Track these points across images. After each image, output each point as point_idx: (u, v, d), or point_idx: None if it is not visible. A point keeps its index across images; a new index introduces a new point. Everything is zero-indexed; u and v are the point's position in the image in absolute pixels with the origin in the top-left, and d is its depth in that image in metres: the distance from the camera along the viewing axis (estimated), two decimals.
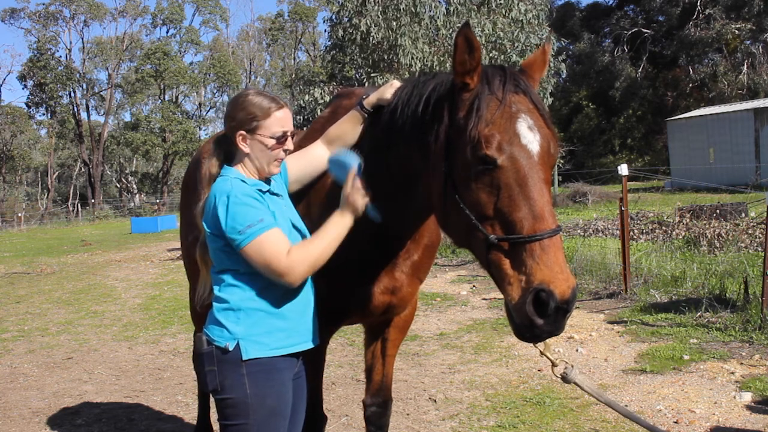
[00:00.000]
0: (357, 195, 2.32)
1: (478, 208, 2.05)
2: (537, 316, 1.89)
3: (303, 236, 2.41)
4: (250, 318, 2.25)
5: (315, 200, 2.66)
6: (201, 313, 2.47)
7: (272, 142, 2.31)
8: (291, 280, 2.20)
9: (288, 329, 2.30)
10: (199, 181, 2.40)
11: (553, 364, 2.35)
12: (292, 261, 2.19)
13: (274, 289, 2.27)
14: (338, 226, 2.31)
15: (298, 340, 2.34)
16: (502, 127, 2.03)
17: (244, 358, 2.22)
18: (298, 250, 2.22)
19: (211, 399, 2.45)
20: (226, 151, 2.40)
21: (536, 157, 2.03)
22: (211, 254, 2.32)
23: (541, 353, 2.27)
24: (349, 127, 2.56)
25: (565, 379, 2.39)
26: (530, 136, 2.04)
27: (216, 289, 2.33)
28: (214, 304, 2.32)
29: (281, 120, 2.33)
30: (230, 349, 2.23)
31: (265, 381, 2.25)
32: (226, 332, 2.25)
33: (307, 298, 2.38)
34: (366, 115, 2.53)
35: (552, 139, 2.10)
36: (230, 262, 2.26)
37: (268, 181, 2.41)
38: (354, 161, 2.38)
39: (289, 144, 2.36)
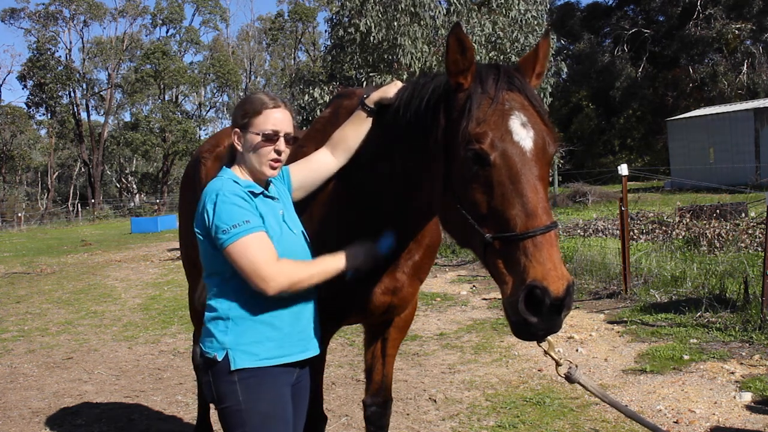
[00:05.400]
0: (370, 258, 2.41)
1: (475, 207, 2.05)
2: (530, 314, 1.89)
3: (304, 237, 2.40)
4: (238, 327, 2.21)
5: (318, 201, 2.65)
6: (201, 312, 2.46)
7: (258, 139, 2.26)
8: (269, 288, 2.13)
9: (278, 339, 2.25)
10: (198, 182, 2.39)
11: (558, 364, 2.34)
12: (280, 269, 2.14)
13: (264, 297, 2.21)
14: (334, 263, 2.29)
15: (290, 351, 2.28)
16: (493, 125, 2.02)
17: (232, 368, 2.18)
18: (289, 264, 2.18)
19: None
20: (231, 154, 2.38)
21: (529, 154, 2.01)
22: (201, 257, 2.28)
23: (545, 352, 2.26)
24: (352, 130, 2.53)
25: (569, 378, 2.39)
26: (523, 133, 2.03)
27: (208, 296, 2.30)
28: (206, 313, 2.29)
29: (275, 120, 2.29)
30: (219, 359, 2.19)
31: (256, 387, 2.21)
32: (215, 342, 2.22)
33: (301, 306, 2.33)
34: (368, 113, 2.50)
35: (548, 135, 2.09)
36: (218, 265, 2.22)
37: (266, 185, 2.37)
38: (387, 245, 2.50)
39: (281, 145, 2.29)
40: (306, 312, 2.35)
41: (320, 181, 2.57)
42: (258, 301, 2.22)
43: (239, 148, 2.31)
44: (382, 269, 2.72)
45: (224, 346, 2.20)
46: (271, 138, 2.27)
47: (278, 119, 2.30)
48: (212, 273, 2.26)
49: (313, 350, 2.38)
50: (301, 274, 2.19)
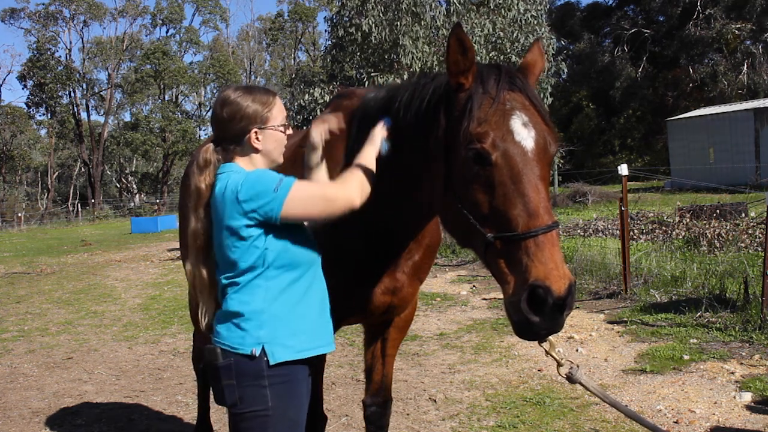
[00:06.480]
0: (380, 131, 2.43)
1: (476, 207, 2.05)
2: (533, 314, 1.89)
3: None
4: (274, 320, 2.17)
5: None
6: (206, 335, 2.34)
7: (281, 129, 2.32)
8: (351, 200, 2.21)
9: (310, 331, 2.24)
10: (190, 195, 2.27)
11: (559, 364, 2.34)
12: (341, 185, 2.23)
13: (295, 289, 2.21)
14: (366, 154, 2.37)
15: (319, 342, 2.28)
16: (495, 125, 2.03)
17: (272, 362, 2.13)
18: (340, 178, 2.28)
19: (212, 399, 2.40)
20: (223, 157, 2.30)
21: (531, 154, 2.02)
22: (234, 254, 2.17)
23: (547, 353, 2.26)
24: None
25: (570, 379, 2.38)
26: (524, 133, 2.03)
27: (231, 291, 2.21)
28: (231, 308, 2.19)
29: (281, 107, 2.34)
30: (256, 354, 2.13)
31: (286, 393, 2.18)
32: (248, 337, 2.15)
33: (323, 299, 2.34)
34: None
35: (549, 135, 2.09)
36: (257, 258, 2.14)
37: None
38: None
39: (289, 129, 2.38)
40: (327, 304, 2.36)
41: None
42: (290, 294, 2.21)
43: (259, 146, 2.28)
44: (382, 269, 2.72)
45: (260, 341, 2.14)
46: (287, 126, 2.35)
47: (282, 107, 2.36)
48: (246, 269, 2.17)
49: (333, 344, 2.38)
50: (358, 175, 2.29)
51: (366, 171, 2.33)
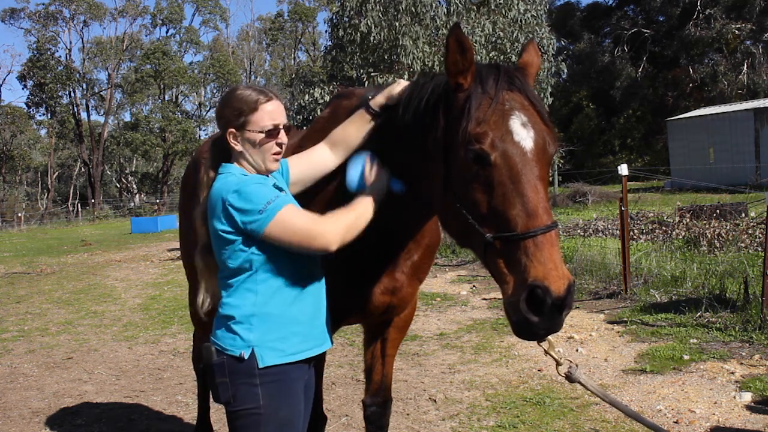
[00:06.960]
0: (379, 174, 2.36)
1: (475, 207, 2.05)
2: (532, 314, 1.89)
3: None
4: (264, 324, 2.17)
5: (317, 200, 2.58)
6: (207, 322, 2.39)
7: (261, 136, 2.22)
8: (332, 243, 2.14)
9: (302, 333, 2.24)
10: (198, 184, 2.30)
11: (558, 363, 2.34)
12: (331, 222, 2.16)
13: (288, 292, 2.21)
14: (363, 203, 2.30)
15: (312, 344, 2.28)
16: (494, 125, 2.02)
17: (261, 366, 2.14)
18: (333, 215, 2.21)
19: (211, 399, 2.41)
20: (223, 152, 2.30)
21: (530, 154, 2.01)
22: (222, 256, 2.20)
23: (546, 352, 2.26)
24: (354, 129, 2.46)
25: (569, 378, 2.39)
26: (523, 133, 2.03)
27: (225, 294, 2.23)
28: (224, 311, 2.22)
29: (271, 113, 2.24)
30: (245, 357, 2.14)
31: (278, 392, 2.19)
32: (239, 340, 2.16)
33: (319, 300, 2.33)
34: (373, 115, 2.44)
35: (548, 135, 2.08)
36: (242, 260, 2.16)
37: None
38: (363, 154, 2.41)
39: (283, 137, 2.27)
40: (323, 305, 2.35)
41: (318, 177, 2.50)
42: (283, 296, 2.20)
43: (237, 147, 2.25)
44: (381, 269, 2.72)
45: (250, 344, 2.16)
46: (272, 133, 2.24)
47: (275, 112, 2.26)
48: (234, 272, 2.20)
49: (329, 343, 2.38)
50: (348, 218, 2.22)
51: (362, 212, 2.28)
